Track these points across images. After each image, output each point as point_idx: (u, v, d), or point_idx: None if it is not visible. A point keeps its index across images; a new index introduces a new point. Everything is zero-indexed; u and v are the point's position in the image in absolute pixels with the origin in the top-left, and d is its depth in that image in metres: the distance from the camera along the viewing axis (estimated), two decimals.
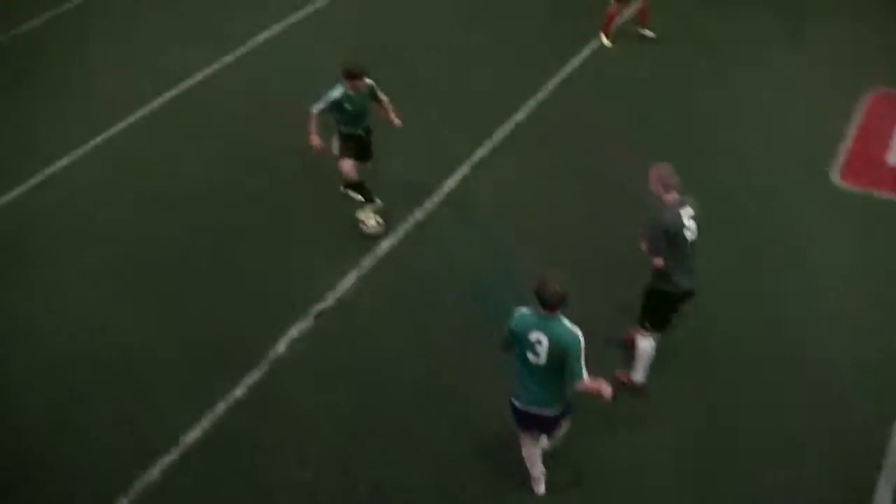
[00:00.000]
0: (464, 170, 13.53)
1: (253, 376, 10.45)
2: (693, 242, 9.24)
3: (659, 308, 9.62)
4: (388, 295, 11.53)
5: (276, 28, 17.79)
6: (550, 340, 7.86)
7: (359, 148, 12.39)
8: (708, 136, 14.05)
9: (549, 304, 7.81)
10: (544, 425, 8.53)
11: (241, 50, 17.08)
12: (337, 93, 11.83)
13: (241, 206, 13.18)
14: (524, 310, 8.04)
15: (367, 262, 11.95)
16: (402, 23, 17.88)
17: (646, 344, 9.78)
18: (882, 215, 12.35)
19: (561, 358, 7.87)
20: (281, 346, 10.79)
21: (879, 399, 9.84)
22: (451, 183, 13.28)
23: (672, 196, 9.16)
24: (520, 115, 14.75)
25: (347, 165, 12.33)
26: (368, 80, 11.91)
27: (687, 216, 9.16)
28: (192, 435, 9.86)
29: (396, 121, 12.32)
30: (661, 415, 9.88)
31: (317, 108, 11.88)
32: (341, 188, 12.68)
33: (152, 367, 10.70)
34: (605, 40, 16.67)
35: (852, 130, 14.09)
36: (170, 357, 10.81)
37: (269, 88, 15.85)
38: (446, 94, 15.41)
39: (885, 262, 11.59)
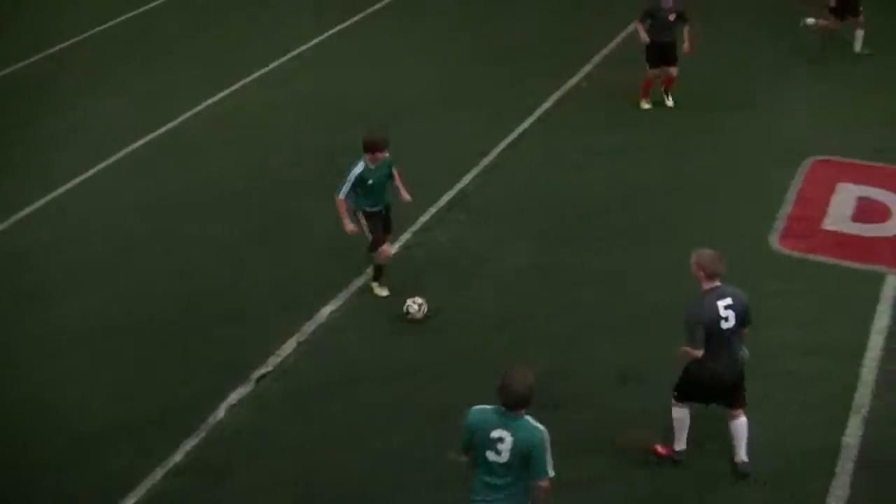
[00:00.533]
0: (406, 236, 13.87)
1: (191, 442, 10.59)
2: (731, 330, 9.34)
3: (691, 387, 9.75)
4: (329, 361, 11.76)
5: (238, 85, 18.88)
6: (515, 439, 7.68)
7: (384, 224, 12.51)
8: (653, 205, 14.63)
9: (513, 405, 7.73)
10: None
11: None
12: (359, 168, 11.94)
13: (184, 266, 13.55)
14: (483, 406, 7.85)
15: (308, 327, 12.21)
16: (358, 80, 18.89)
17: (677, 413, 9.97)
18: (817, 278, 12.83)
19: (525, 457, 7.74)
20: (220, 412, 10.97)
21: (824, 457, 10.17)
22: (392, 250, 13.58)
23: (711, 285, 9.32)
24: (468, 178, 15.45)
25: (389, 251, 12.52)
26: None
27: (724, 306, 9.28)
28: (128, 502, 9.93)
29: (408, 196, 12.56)
30: None
31: (344, 191, 12.00)
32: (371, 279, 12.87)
33: (90, 427, 10.83)
34: (644, 104, 17.62)
35: (792, 196, 14.70)
36: (109, 418, 10.95)
37: (228, 146, 16.74)
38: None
39: (820, 325, 12.01)
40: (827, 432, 10.38)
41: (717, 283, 9.35)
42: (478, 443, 7.80)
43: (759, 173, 15.37)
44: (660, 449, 10.20)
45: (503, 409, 7.70)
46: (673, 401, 9.96)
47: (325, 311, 12.48)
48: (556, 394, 10.67)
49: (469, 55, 20.04)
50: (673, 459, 10.11)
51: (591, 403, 10.88)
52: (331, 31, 21.63)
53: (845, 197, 14.66)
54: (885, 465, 10.02)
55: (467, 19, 22.01)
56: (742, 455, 9.93)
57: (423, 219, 14.32)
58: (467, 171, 15.59)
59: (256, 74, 19.56)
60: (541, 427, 7.76)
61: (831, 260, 13.23)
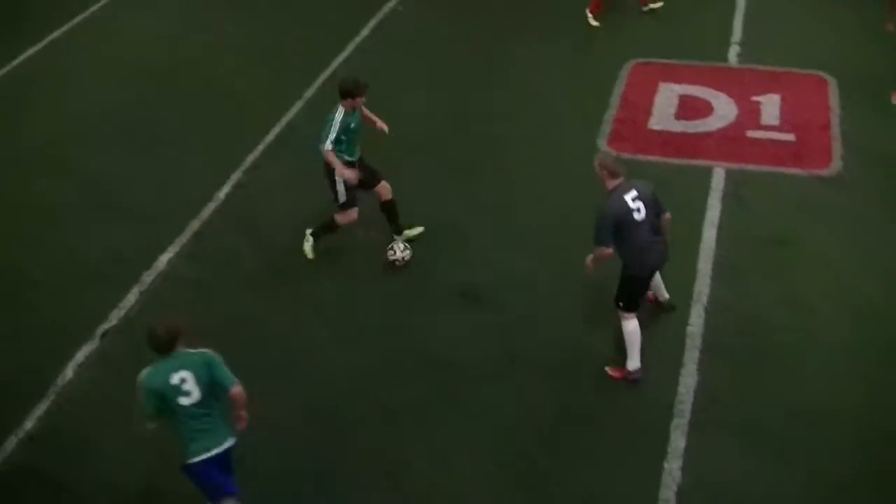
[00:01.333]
0: (237, 175, 14.03)
1: (42, 407, 10.58)
2: (645, 219, 9.98)
3: (635, 289, 10.40)
4: (172, 311, 11.74)
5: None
6: (194, 370, 8.25)
7: (370, 172, 12.19)
8: (483, 123, 15.15)
9: (166, 346, 8.25)
10: (229, 461, 8.73)
11: None
12: (341, 113, 11.62)
13: (11, 229, 13.40)
14: (147, 369, 8.33)
15: (148, 276, 12.27)
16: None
17: (629, 325, 10.44)
18: (648, 176, 13.50)
19: (210, 379, 8.30)
20: (68, 373, 10.96)
21: (671, 347, 10.94)
22: (225, 190, 13.76)
23: (616, 182, 9.99)
24: (291, 113, 15.68)
25: (355, 216, 12.19)
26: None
27: (631, 198, 9.93)
28: None
29: (386, 127, 12.32)
30: None
31: (330, 140, 11.60)
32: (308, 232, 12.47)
33: None
34: (592, 20, 17.99)
35: (616, 101, 15.45)
36: None
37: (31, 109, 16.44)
38: (217, 97, 16.24)
39: None
40: (672, 323, 11.20)
41: (621, 180, 10.03)
42: (167, 398, 8.25)
43: (583, 80, 16.10)
44: (612, 372, 10.67)
45: (162, 357, 8.29)
46: (622, 313, 10.42)
47: (164, 258, 12.54)
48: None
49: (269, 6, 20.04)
50: (630, 380, 10.55)
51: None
52: None
53: (668, 96, 15.46)
54: (726, 349, 10.88)
55: None
56: (664, 293, 11.19)
57: (252, 157, 14.52)
58: (290, 106, 15.78)
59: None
60: (202, 349, 8.44)
61: (660, 159, 14.00)
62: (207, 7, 19.64)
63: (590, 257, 10.24)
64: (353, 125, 11.76)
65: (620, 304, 10.42)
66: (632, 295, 10.41)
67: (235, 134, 15.03)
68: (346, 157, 11.89)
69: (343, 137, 11.72)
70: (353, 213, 12.19)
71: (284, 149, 14.73)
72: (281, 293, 12.05)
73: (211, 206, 13.46)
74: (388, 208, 12.44)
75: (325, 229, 12.38)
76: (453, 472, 9.70)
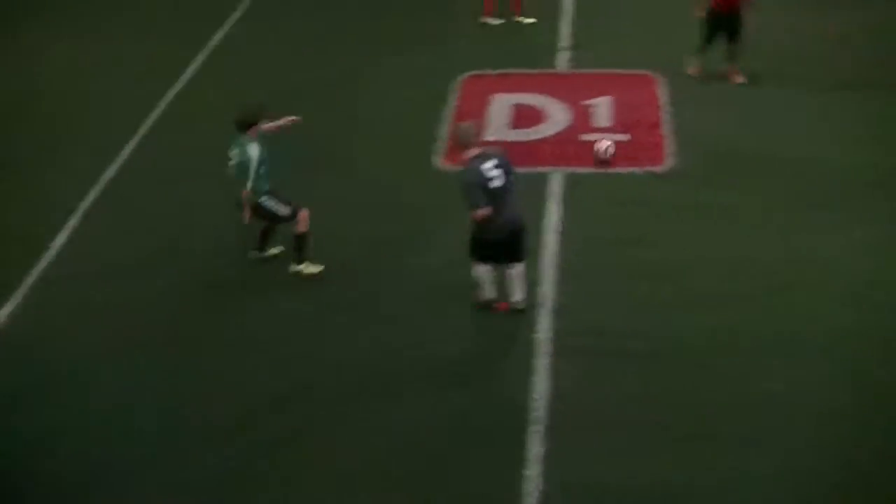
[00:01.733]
0: (73, 222, 13.77)
1: None
2: (503, 187, 10.69)
3: (482, 247, 11.10)
4: (15, 367, 11.39)
5: None
6: None
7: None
8: (323, 141, 15.07)
9: None
10: None
11: None
12: (255, 150, 11.67)
13: None
14: None
15: None
16: None
17: (476, 271, 11.29)
18: None
19: None
20: None
21: (521, 355, 11.07)
22: (61, 239, 13.43)
23: (471, 152, 10.72)
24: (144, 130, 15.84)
25: (306, 213, 12.13)
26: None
27: (490, 167, 10.62)
28: None
29: (292, 119, 12.49)
30: None
31: (252, 179, 11.69)
32: (293, 267, 12.41)
33: None
34: (490, 20, 18.62)
35: (450, 114, 15.65)
36: None
37: None
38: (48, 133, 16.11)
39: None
40: (520, 331, 11.36)
41: (478, 150, 10.67)
42: None
43: (415, 97, 16.30)
44: (502, 307, 11.52)
45: None
46: (473, 263, 11.27)
47: (3, 313, 12.18)
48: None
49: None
50: (499, 308, 11.49)
51: None
52: None
53: (501, 106, 15.76)
54: (576, 353, 11.05)
55: None
56: (518, 296, 11.45)
57: (93, 194, 14.32)
58: (125, 143, 15.62)
59: None
60: None
61: None
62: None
63: (472, 218, 10.84)
64: (265, 156, 11.88)
65: (473, 257, 11.17)
66: (482, 253, 11.11)
67: (67, 174, 14.83)
68: (267, 187, 11.98)
69: (261, 171, 11.84)
70: (304, 214, 12.13)
71: (119, 190, 14.52)
72: (154, 331, 11.81)
73: (46, 257, 13.07)
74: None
75: (300, 247, 12.30)
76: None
